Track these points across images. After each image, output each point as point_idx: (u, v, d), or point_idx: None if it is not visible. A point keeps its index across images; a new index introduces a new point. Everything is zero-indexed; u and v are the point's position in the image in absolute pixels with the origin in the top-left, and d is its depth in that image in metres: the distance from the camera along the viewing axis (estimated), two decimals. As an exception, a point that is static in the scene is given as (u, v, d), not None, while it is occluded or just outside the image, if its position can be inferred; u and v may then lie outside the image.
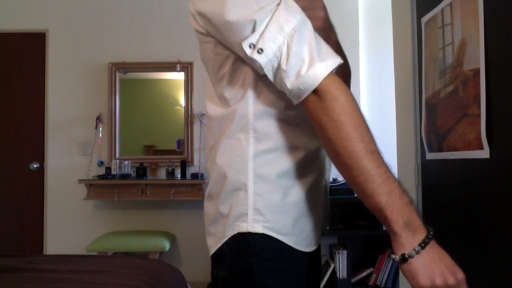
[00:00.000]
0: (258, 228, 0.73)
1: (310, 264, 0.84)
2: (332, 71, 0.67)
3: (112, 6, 3.51)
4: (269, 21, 0.67)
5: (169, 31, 3.49)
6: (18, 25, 3.49)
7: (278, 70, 0.68)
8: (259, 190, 0.74)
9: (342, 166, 0.66)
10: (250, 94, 0.76)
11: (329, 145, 0.66)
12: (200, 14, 0.76)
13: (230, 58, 0.76)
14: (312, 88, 0.65)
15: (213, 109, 0.82)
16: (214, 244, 0.79)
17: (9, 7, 3.50)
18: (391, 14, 1.87)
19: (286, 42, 0.66)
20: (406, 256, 0.61)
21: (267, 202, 0.74)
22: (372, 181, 0.63)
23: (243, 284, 0.73)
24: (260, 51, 0.67)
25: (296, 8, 0.70)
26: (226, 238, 0.75)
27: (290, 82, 0.66)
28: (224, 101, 0.80)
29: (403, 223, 0.62)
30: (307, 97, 0.67)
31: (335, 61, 0.67)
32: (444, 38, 1.30)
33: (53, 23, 3.50)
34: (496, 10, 1.03)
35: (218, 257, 0.77)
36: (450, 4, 1.24)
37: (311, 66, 0.65)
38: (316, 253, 0.88)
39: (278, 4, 0.69)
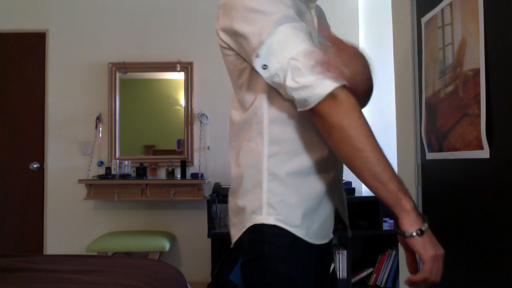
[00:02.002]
0: (271, 220, 0.83)
1: (321, 255, 0.92)
2: (338, 86, 0.74)
3: (112, 6, 3.51)
4: (275, 39, 0.76)
5: (169, 31, 3.49)
6: (18, 25, 3.49)
7: (281, 84, 0.77)
8: (272, 187, 0.84)
9: (357, 160, 0.75)
10: (265, 102, 0.86)
11: (337, 146, 0.76)
12: (223, 30, 0.86)
13: (247, 69, 0.86)
14: (318, 100, 0.74)
15: (235, 114, 0.93)
16: (236, 233, 0.89)
17: (9, 7, 3.50)
18: (391, 14, 1.87)
19: (290, 64, 0.75)
20: (423, 229, 0.71)
21: (279, 198, 0.84)
22: (390, 169, 0.75)
23: (257, 267, 0.83)
24: (265, 67, 0.77)
25: (303, 36, 0.78)
26: (245, 228, 0.85)
27: (298, 94, 0.75)
28: (243, 106, 0.90)
29: (412, 203, 0.73)
30: (315, 106, 0.75)
31: (340, 81, 0.75)
32: (444, 38, 1.30)
33: (53, 23, 3.50)
34: (496, 10, 1.03)
35: (239, 245, 0.87)
36: (450, 4, 1.24)
37: (320, 82, 0.73)
38: (326, 246, 0.95)
39: (287, 22, 0.78)
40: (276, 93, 0.84)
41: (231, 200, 0.94)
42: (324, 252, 0.95)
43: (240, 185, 0.88)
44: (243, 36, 0.81)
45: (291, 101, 0.81)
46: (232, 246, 0.91)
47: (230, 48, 0.87)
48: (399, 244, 0.79)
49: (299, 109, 0.78)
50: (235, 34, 0.83)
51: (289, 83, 0.75)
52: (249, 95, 0.88)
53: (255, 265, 0.83)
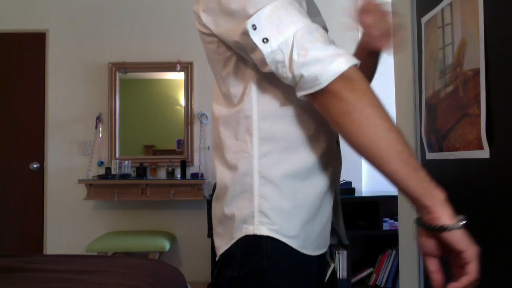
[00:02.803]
0: (263, 231, 0.72)
1: (319, 265, 0.83)
2: (351, 66, 0.64)
3: (112, 6, 3.51)
4: (275, 12, 0.66)
5: (169, 31, 3.49)
6: (18, 25, 3.49)
7: (284, 62, 0.66)
8: (264, 192, 0.73)
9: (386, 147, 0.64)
10: (254, 95, 0.75)
11: (356, 129, 0.64)
12: (206, 11, 0.76)
13: (233, 58, 0.76)
14: (333, 78, 0.63)
15: (219, 109, 0.82)
16: (222, 245, 0.78)
17: (9, 7, 3.50)
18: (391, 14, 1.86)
19: (297, 37, 0.65)
20: (464, 222, 0.63)
21: (273, 204, 0.73)
22: (413, 158, 0.64)
23: (252, 284, 0.73)
24: (265, 40, 0.65)
25: (303, 12, 0.70)
26: (235, 240, 0.75)
27: (308, 70, 0.63)
28: (228, 100, 0.79)
29: (445, 193, 0.64)
30: (324, 87, 0.64)
31: (355, 60, 0.66)
32: (444, 38, 1.30)
33: (53, 23, 3.50)
34: (496, 10, 1.03)
35: (227, 258, 0.76)
36: (450, 4, 1.24)
37: (334, 58, 0.63)
38: (324, 255, 0.87)
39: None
40: (266, 82, 0.74)
41: (215, 207, 0.82)
42: (322, 261, 0.86)
43: (227, 190, 0.77)
44: (231, 13, 0.70)
45: (286, 89, 0.71)
46: (217, 259, 0.80)
47: (213, 34, 0.76)
48: (418, 247, 0.66)
49: (302, 93, 0.66)
50: (221, 13, 0.72)
51: (297, 57, 0.64)
52: (236, 87, 0.77)
53: (251, 281, 0.73)
